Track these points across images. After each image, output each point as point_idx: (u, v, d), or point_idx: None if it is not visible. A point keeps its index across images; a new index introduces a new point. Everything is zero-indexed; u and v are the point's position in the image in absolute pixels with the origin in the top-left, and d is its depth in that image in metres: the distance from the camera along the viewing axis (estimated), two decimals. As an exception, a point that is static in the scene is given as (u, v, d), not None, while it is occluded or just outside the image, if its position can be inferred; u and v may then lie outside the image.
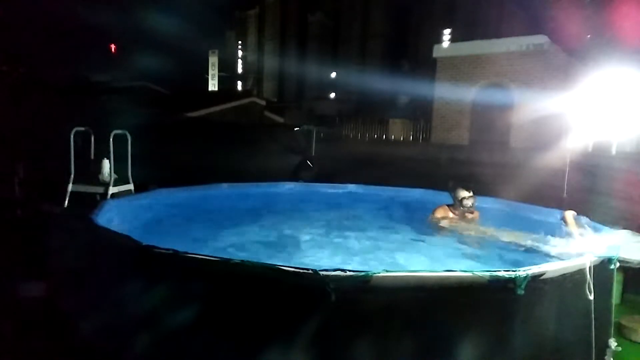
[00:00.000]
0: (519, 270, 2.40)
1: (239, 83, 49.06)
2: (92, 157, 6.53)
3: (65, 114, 10.71)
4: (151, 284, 2.68)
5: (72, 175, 6.09)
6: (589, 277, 2.66)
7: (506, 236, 4.42)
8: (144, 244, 2.68)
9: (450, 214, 4.93)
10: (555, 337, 2.69)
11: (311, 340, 2.33)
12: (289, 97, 42.14)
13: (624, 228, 4.41)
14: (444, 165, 12.58)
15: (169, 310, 2.55)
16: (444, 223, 4.90)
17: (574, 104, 6.85)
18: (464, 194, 4.80)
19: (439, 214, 4.95)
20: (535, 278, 2.45)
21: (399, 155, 15.48)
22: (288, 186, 6.64)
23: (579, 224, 4.11)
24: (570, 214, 4.20)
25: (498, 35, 19.38)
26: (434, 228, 4.88)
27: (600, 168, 8.73)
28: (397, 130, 23.62)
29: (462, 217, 4.91)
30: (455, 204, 4.88)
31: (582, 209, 4.54)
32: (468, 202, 4.80)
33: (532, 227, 4.39)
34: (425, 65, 24.57)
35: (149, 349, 2.64)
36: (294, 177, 8.53)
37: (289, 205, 6.11)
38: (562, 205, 4.91)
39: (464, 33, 22.93)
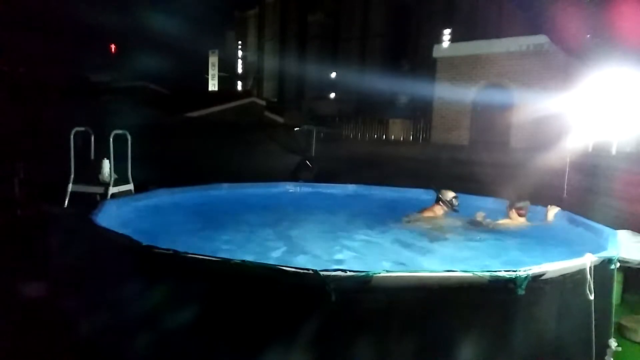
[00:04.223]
0: (519, 271, 2.41)
1: (239, 83, 49.03)
2: (92, 157, 6.53)
3: (65, 114, 10.70)
4: (151, 284, 2.68)
5: (72, 176, 6.09)
6: (589, 277, 2.66)
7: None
8: (143, 244, 2.68)
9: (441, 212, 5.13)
10: (556, 337, 2.69)
11: (311, 341, 2.33)
12: (289, 97, 42.03)
13: (624, 228, 4.42)
14: (444, 165, 12.57)
15: (169, 311, 2.55)
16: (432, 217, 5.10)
17: (574, 104, 6.85)
18: (451, 194, 5.08)
19: (432, 212, 5.11)
20: (536, 278, 2.46)
21: (399, 156, 15.48)
22: (288, 186, 6.63)
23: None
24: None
25: (498, 35, 19.37)
26: (431, 227, 4.92)
27: (600, 168, 8.74)
28: (397, 130, 23.65)
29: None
30: (445, 204, 5.08)
31: (582, 209, 4.54)
32: (456, 201, 5.06)
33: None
34: (425, 65, 24.55)
35: (149, 349, 2.64)
36: (294, 177, 8.52)
37: (288, 205, 6.09)
38: (562, 206, 4.91)
39: (464, 33, 22.89)
